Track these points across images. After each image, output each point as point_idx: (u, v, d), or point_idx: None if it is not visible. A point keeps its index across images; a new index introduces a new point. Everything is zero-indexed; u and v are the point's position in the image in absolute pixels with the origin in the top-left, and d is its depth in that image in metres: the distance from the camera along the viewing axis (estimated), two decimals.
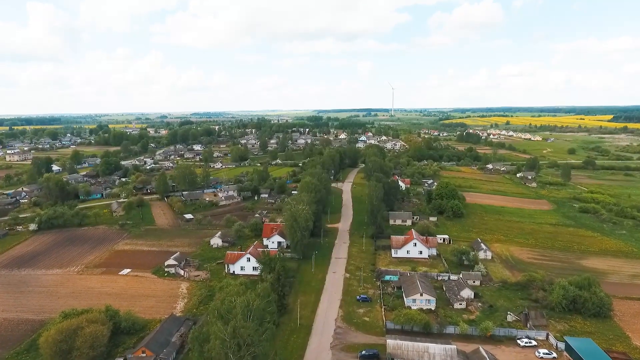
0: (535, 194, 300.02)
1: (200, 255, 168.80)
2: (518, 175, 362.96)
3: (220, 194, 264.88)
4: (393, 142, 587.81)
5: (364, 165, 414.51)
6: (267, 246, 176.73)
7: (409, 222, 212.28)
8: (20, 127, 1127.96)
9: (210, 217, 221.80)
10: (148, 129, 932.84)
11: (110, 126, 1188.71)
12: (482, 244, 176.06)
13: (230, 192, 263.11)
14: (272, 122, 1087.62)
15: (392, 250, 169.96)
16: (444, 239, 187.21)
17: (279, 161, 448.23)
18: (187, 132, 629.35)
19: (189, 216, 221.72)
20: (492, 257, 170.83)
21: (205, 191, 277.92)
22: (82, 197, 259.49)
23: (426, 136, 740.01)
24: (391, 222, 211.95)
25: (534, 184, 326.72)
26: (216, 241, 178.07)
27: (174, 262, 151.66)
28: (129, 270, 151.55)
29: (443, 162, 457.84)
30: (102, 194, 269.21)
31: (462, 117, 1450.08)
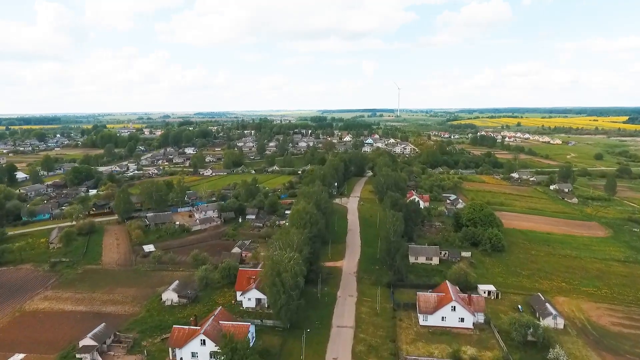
0: (580, 213, 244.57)
1: (143, 322, 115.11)
2: (552, 187, 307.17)
3: (196, 215, 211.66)
4: (402, 146, 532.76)
5: (371, 173, 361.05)
6: (241, 303, 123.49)
7: (435, 260, 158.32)
8: (17, 127, 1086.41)
9: (175, 250, 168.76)
10: (145, 130, 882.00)
11: (108, 126, 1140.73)
12: (547, 304, 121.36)
13: (209, 213, 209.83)
14: (274, 122, 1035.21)
15: (420, 316, 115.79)
16: (488, 292, 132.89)
17: (276, 168, 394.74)
18: (179, 134, 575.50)
19: (148, 248, 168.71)
20: (564, 324, 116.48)
21: (180, 210, 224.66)
22: (25, 219, 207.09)
23: (437, 138, 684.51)
24: (411, 259, 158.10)
25: (574, 200, 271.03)
26: (170, 296, 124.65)
27: (92, 343, 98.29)
28: (22, 356, 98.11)
29: (460, 170, 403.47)
30: (51, 215, 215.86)
31: (471, 118, 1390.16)
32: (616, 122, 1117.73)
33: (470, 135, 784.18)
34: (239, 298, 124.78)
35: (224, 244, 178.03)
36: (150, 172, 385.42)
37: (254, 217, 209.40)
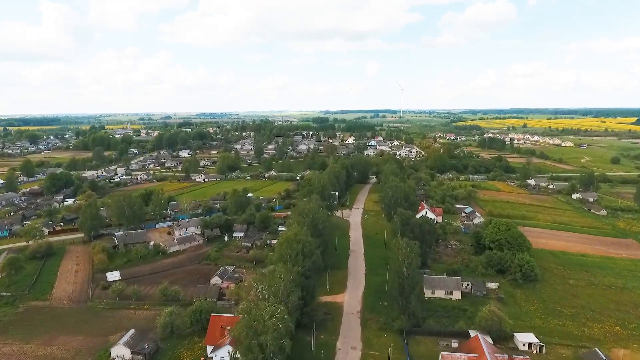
0: (612, 229, 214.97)
1: None
2: (574, 196, 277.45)
3: (176, 232, 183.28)
4: (407, 149, 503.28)
5: (375, 178, 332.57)
6: None
7: (456, 295, 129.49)
8: (15, 128, 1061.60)
9: (144, 279, 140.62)
10: (142, 131, 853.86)
11: (107, 127, 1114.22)
12: None
13: (190, 229, 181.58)
14: (275, 123, 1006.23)
15: None
16: (529, 344, 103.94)
17: (273, 173, 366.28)
18: (174, 136, 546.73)
19: (112, 276, 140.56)
20: None
21: (159, 225, 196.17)
22: None
23: (442, 140, 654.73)
24: (427, 292, 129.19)
25: (602, 212, 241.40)
26: (121, 352, 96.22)
27: None
28: None
29: (470, 175, 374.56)
30: (9, 231, 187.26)
31: (475, 119, 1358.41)
32: (624, 123, 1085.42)
33: (477, 137, 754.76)
34: (209, 354, 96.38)
35: (203, 270, 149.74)
36: (139, 178, 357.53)
37: (242, 234, 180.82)
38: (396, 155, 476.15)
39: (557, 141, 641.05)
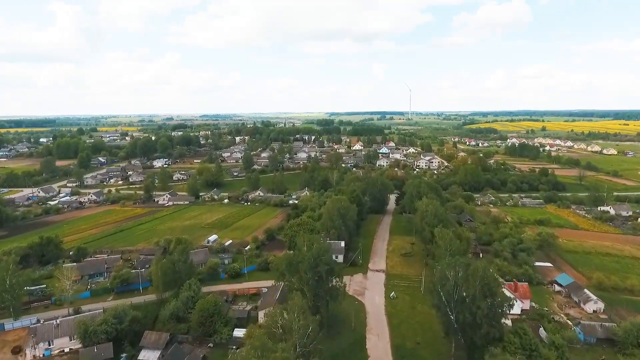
0: None
1: None
2: None
3: (29, 352, 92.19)
4: (427, 158, 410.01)
5: (395, 203, 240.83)
6: None
7: None
8: (4, 130, 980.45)
9: None
10: (133, 134, 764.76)
11: (101, 129, 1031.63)
12: None
13: (60, 342, 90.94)
14: (277, 125, 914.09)
15: None
16: None
17: (259, 193, 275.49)
18: (150, 142, 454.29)
19: None
20: None
21: (10, 326, 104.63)
22: None
23: (462, 146, 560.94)
24: None
25: None
26: None
27: None
28: None
29: (510, 194, 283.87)
30: None
31: (488, 122, 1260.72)
32: None
33: (500, 142, 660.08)
34: None
35: None
36: (85, 200, 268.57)
37: (157, 354, 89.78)
38: (414, 167, 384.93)
39: (596, 148, 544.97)
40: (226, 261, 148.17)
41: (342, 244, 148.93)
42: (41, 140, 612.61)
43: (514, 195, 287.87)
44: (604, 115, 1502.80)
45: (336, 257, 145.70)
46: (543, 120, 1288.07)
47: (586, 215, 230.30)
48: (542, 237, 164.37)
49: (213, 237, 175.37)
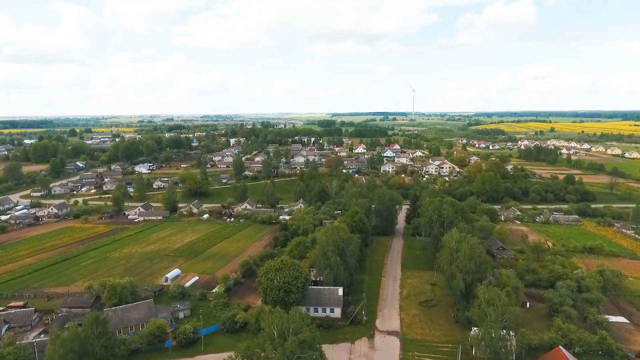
0: None
1: None
2: None
3: None
4: (437, 163, 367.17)
5: (406, 223, 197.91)
6: None
7: None
8: (6, 131, 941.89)
9: None
10: (128, 135, 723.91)
11: (96, 130, 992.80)
12: None
13: None
14: (277, 126, 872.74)
15: None
16: None
17: (247, 206, 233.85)
18: (134, 145, 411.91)
19: None
20: None
21: None
22: None
23: (472, 149, 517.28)
24: None
25: None
26: None
27: None
28: None
29: (535, 206, 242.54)
30: None
31: (494, 122, 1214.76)
32: None
33: (509, 144, 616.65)
34: None
35: None
36: (41, 214, 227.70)
37: None
38: (423, 173, 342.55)
39: (617, 151, 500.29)
40: (181, 315, 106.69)
41: (340, 291, 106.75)
42: (24, 142, 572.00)
43: (538, 206, 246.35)
44: (611, 115, 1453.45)
45: (332, 312, 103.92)
46: (550, 121, 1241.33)
47: (636, 235, 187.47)
48: (606, 276, 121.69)
49: (174, 273, 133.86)
